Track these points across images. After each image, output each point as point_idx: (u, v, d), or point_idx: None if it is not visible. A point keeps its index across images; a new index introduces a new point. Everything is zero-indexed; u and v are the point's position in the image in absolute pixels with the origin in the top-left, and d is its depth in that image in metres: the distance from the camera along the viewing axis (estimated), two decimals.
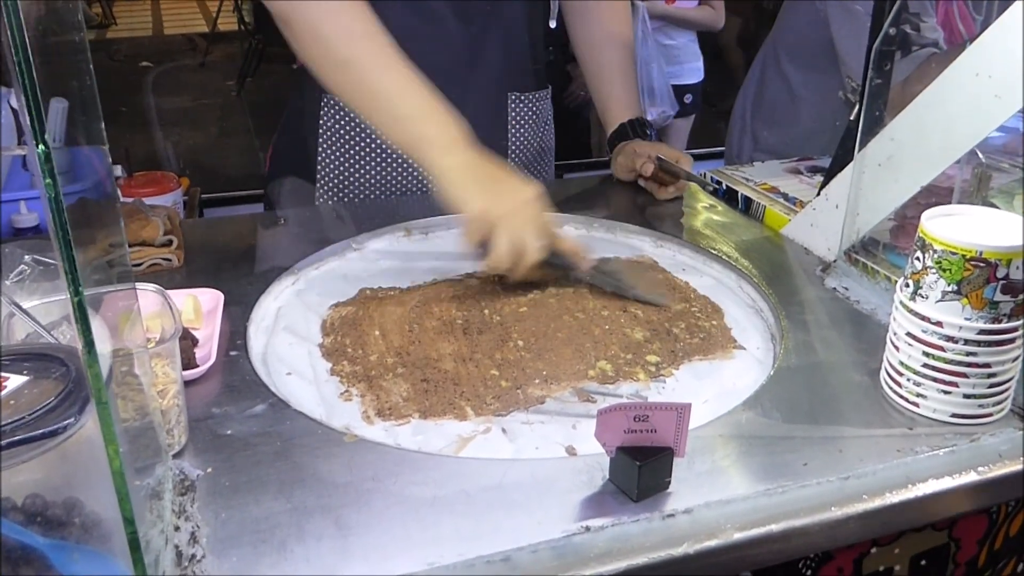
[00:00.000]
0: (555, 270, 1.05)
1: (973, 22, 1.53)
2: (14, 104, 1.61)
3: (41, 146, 0.44)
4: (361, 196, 1.36)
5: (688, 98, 3.24)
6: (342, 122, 1.32)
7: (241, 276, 1.06)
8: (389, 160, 1.34)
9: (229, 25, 6.93)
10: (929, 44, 1.43)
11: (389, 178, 1.35)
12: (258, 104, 5.55)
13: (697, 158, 1.48)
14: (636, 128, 1.39)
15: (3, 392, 0.50)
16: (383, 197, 1.36)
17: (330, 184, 1.35)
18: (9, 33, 0.40)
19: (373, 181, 1.35)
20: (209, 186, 2.87)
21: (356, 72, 1.03)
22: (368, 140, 1.32)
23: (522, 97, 1.42)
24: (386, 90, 1.03)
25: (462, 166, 1.00)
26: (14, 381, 0.52)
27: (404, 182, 1.37)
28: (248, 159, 4.50)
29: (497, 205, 0.98)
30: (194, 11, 8.52)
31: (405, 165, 1.35)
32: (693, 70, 3.25)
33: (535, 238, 0.98)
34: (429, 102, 1.03)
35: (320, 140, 1.33)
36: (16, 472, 0.50)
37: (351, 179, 1.35)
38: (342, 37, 1.03)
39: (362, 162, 1.34)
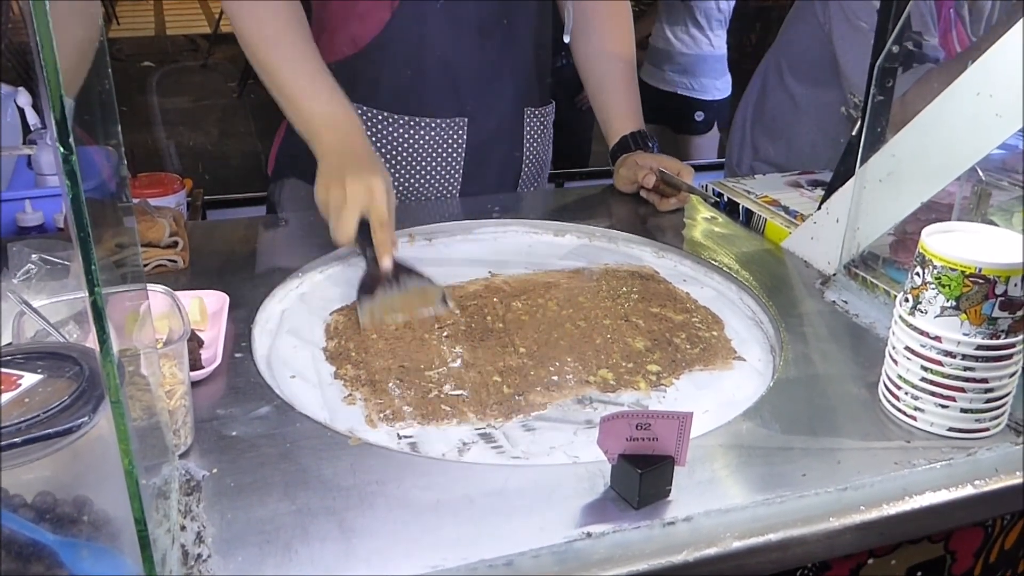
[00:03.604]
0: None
1: (970, 44, 1.54)
2: (20, 103, 1.62)
3: (62, 148, 0.45)
4: None
5: None
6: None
7: (245, 279, 1.07)
8: (407, 168, 1.34)
9: (232, 27, 6.93)
10: (930, 62, 1.45)
11: (405, 186, 1.36)
12: (260, 106, 5.55)
13: (697, 169, 1.49)
14: (638, 140, 1.40)
15: (18, 390, 0.51)
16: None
17: None
18: (37, 36, 0.41)
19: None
20: (212, 188, 2.87)
21: (269, 75, 1.17)
22: (385, 150, 1.32)
23: (535, 112, 1.43)
24: (292, 90, 1.16)
25: (330, 154, 1.11)
26: (28, 379, 0.52)
27: (420, 190, 1.37)
28: (250, 161, 4.50)
29: (336, 187, 1.05)
30: (196, 12, 8.53)
31: (423, 173, 1.35)
32: None
33: (352, 214, 1.03)
34: (327, 101, 1.15)
35: None
36: (27, 469, 0.51)
37: None
38: (259, 42, 1.17)
39: None
